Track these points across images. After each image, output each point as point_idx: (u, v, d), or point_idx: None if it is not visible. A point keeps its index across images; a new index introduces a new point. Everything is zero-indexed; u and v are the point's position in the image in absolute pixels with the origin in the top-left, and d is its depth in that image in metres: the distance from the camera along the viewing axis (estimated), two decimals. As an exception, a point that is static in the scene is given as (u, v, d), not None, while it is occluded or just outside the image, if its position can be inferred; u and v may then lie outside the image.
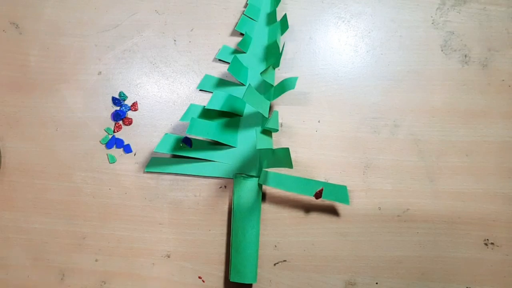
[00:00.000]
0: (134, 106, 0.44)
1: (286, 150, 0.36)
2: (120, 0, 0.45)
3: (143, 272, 0.42)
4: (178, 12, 0.45)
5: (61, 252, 0.42)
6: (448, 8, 0.45)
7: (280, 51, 0.41)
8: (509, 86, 0.44)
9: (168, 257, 0.42)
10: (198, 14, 0.45)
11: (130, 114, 0.44)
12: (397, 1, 0.45)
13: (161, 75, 0.45)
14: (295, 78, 0.40)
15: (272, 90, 0.42)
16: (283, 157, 0.37)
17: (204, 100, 0.44)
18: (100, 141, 0.43)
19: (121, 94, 0.43)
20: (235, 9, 0.45)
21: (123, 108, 0.44)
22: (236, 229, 0.40)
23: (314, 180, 0.40)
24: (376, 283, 0.42)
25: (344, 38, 0.45)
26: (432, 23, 0.45)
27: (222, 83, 0.44)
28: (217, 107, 0.41)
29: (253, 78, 0.44)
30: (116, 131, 0.43)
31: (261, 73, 0.39)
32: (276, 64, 0.41)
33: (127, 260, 0.42)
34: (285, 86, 0.40)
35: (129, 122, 0.43)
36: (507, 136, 0.43)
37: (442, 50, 0.45)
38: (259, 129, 0.39)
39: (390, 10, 0.45)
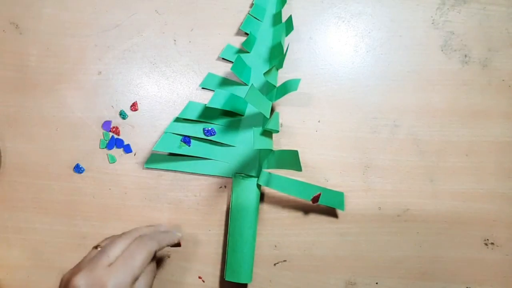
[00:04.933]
0: (134, 106, 0.44)
1: (295, 153, 0.35)
2: (120, 0, 0.45)
3: (143, 272, 0.42)
4: (178, 12, 0.45)
5: (61, 252, 0.42)
6: (448, 8, 0.45)
7: (284, 52, 0.41)
8: (509, 86, 0.44)
9: (168, 257, 0.42)
10: (198, 14, 0.45)
11: (130, 114, 0.44)
12: (397, 1, 0.45)
13: (161, 75, 0.45)
14: (298, 80, 0.40)
15: (275, 91, 0.42)
16: (292, 160, 0.36)
17: (204, 100, 0.44)
18: (100, 141, 0.43)
19: (121, 112, 0.43)
20: (235, 9, 0.45)
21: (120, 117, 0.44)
22: (233, 228, 0.40)
23: (312, 185, 0.40)
24: (376, 283, 0.42)
25: (344, 38, 0.45)
26: (432, 23, 0.45)
27: (224, 82, 0.44)
28: (218, 105, 0.41)
29: (255, 78, 0.44)
30: (114, 132, 0.43)
31: (264, 74, 0.39)
32: (279, 65, 0.41)
33: (127, 260, 0.42)
34: (287, 87, 0.40)
35: (116, 130, 0.43)
36: (507, 136, 0.43)
37: (442, 50, 0.45)
38: (257, 129, 0.39)
39: (390, 10, 0.45)
